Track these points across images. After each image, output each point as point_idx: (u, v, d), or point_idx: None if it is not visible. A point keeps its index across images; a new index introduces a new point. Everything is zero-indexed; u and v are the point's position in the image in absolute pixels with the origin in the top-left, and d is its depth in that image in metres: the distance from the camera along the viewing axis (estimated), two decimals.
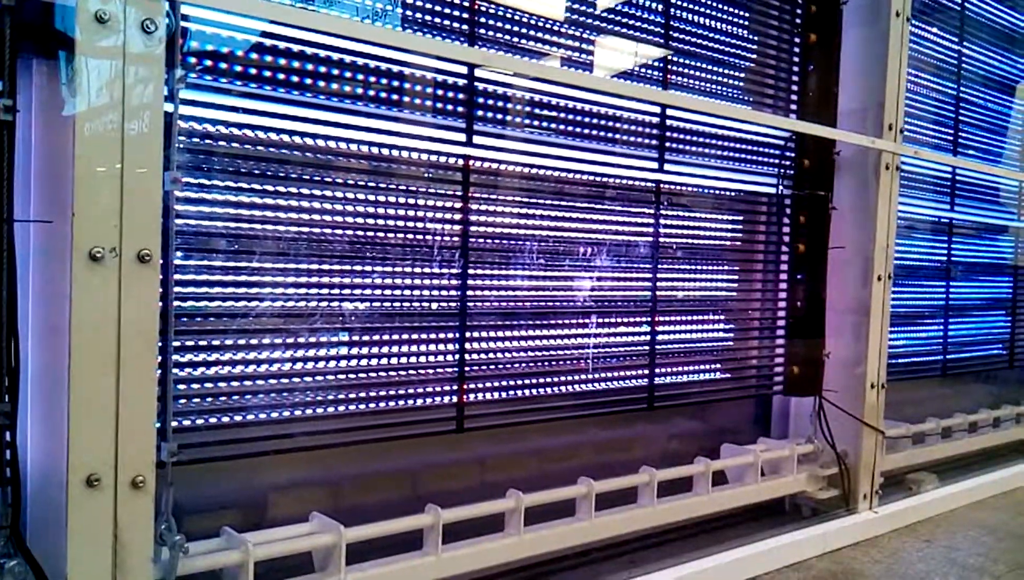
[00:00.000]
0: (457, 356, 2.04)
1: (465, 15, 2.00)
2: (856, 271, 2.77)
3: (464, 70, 2.00)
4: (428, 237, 1.98)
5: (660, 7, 2.42)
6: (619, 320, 2.40)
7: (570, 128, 2.25)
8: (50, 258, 1.43)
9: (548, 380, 2.25)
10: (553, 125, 2.21)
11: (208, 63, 1.63)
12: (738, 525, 2.62)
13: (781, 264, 2.84)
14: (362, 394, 1.90)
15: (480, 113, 2.05)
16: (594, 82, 2.24)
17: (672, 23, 2.45)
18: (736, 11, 2.64)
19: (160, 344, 1.41)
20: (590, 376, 2.34)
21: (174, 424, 1.52)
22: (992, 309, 3.85)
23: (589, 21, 2.27)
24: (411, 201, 1.94)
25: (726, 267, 2.72)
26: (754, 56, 2.72)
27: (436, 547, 1.86)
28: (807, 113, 2.72)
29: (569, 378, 2.30)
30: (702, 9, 2.54)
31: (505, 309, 2.15)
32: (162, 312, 1.43)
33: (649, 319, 2.46)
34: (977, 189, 3.66)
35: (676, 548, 2.39)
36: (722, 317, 2.70)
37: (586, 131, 2.28)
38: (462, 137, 2.01)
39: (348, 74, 1.82)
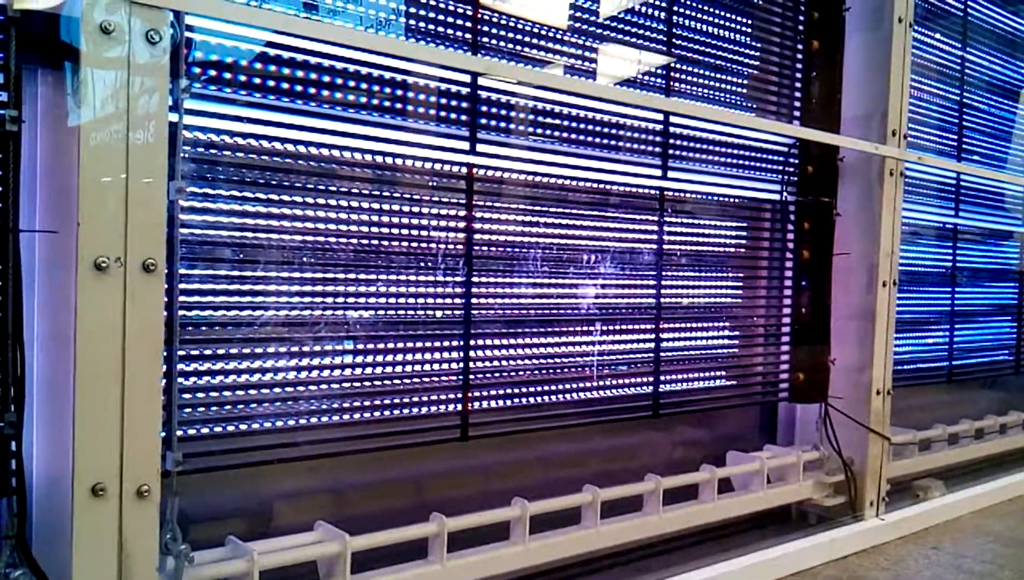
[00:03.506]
0: (461, 364, 2.04)
1: (468, 24, 2.01)
2: (861, 277, 2.77)
3: (468, 79, 2.01)
4: (432, 245, 1.98)
5: (663, 15, 2.43)
6: (624, 327, 2.40)
7: (574, 136, 2.25)
8: (55, 268, 1.43)
9: (553, 388, 2.25)
10: (557, 133, 2.21)
11: (212, 73, 1.63)
12: (744, 533, 2.61)
13: (786, 271, 2.83)
14: (367, 402, 1.90)
15: (484, 121, 2.05)
16: (597, 90, 2.24)
17: (675, 31, 2.45)
18: (739, 18, 2.64)
19: (165, 353, 1.42)
20: (595, 384, 2.34)
21: (179, 433, 1.52)
22: (998, 315, 3.84)
23: (592, 29, 2.27)
24: (415, 209, 1.95)
25: (731, 274, 2.72)
26: (757, 63, 2.72)
27: (441, 556, 1.86)
28: (810, 120, 2.72)
29: (574, 386, 2.29)
30: (705, 16, 2.54)
31: (509, 317, 2.15)
32: (167, 321, 1.44)
33: (654, 326, 2.46)
34: (982, 195, 3.66)
35: (682, 556, 2.38)
36: (727, 324, 2.70)
37: (590, 139, 2.28)
38: (466, 145, 2.02)
39: (352, 83, 1.83)
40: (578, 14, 2.24)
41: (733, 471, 2.57)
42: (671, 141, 2.46)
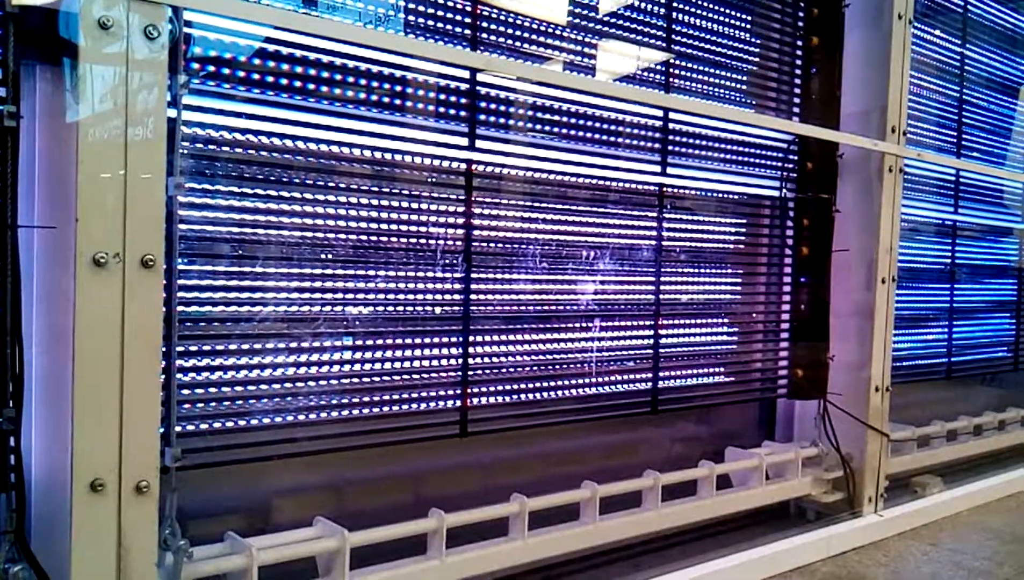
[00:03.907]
0: (461, 360, 2.04)
1: (467, 20, 2.00)
2: (860, 274, 2.77)
3: (467, 75, 2.00)
4: (432, 241, 1.98)
5: (662, 11, 2.42)
6: (623, 324, 2.40)
7: (573, 132, 2.25)
8: (54, 264, 1.43)
9: (552, 384, 2.25)
10: (556, 129, 2.21)
11: (211, 69, 1.63)
12: (742, 529, 2.61)
13: (785, 267, 2.83)
14: (366, 398, 1.90)
15: (483, 117, 2.05)
16: (596, 86, 2.24)
17: (674, 27, 2.45)
18: (738, 14, 2.64)
19: (164, 349, 1.42)
20: (594, 380, 2.34)
21: (178, 429, 1.52)
22: (997, 311, 3.84)
23: (591, 25, 2.27)
24: (414, 205, 1.95)
25: (730, 270, 2.72)
26: (757, 59, 2.72)
27: (440, 552, 1.86)
28: (810, 116, 2.72)
29: (573, 382, 2.29)
30: (704, 12, 2.54)
31: (509, 313, 2.15)
32: (166, 317, 1.44)
33: (653, 323, 2.46)
34: (981, 191, 3.66)
35: (680, 552, 2.39)
36: (726, 320, 2.70)
37: (589, 135, 2.28)
38: (465, 141, 2.02)
39: (351, 79, 1.83)
40: (577, 10, 2.24)
41: (732, 467, 2.57)
42: (670, 137, 2.46)
